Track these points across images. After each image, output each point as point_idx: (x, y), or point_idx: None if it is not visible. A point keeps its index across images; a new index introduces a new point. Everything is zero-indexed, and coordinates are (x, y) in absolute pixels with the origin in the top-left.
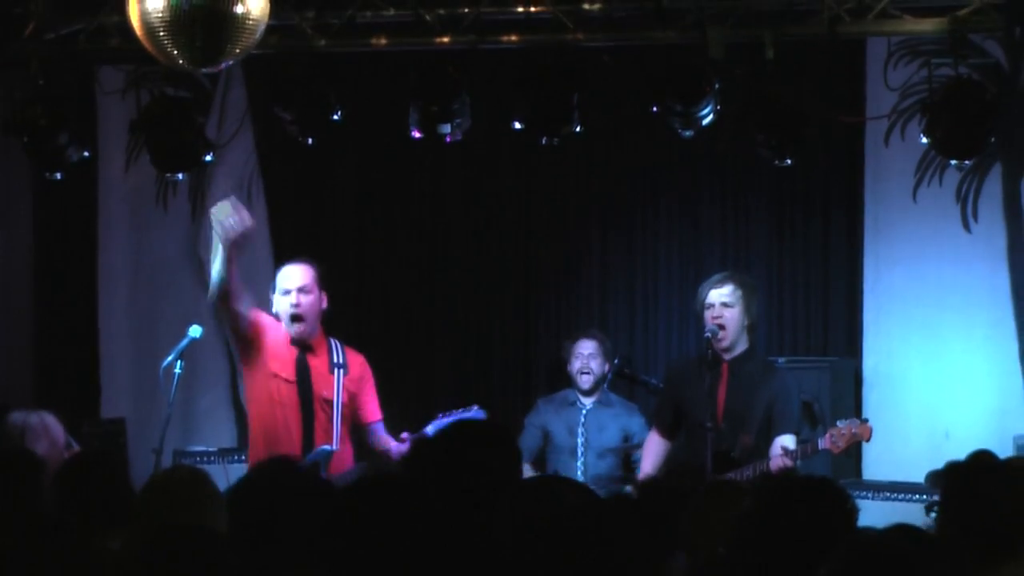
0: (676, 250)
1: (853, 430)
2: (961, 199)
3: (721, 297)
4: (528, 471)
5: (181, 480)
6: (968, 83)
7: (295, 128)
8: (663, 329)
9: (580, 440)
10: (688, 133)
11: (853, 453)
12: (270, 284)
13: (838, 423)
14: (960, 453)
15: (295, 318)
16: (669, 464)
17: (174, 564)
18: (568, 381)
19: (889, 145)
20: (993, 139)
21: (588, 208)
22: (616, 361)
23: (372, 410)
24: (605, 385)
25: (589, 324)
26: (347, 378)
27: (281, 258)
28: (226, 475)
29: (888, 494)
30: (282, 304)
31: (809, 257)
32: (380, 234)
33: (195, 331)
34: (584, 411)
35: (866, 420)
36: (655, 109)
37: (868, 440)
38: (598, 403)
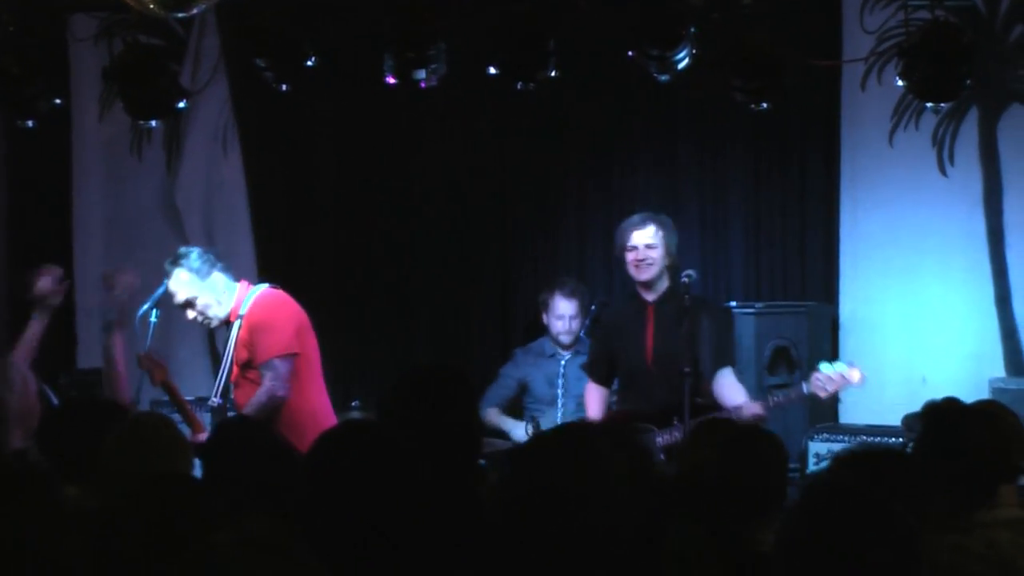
0: (653, 195)
1: (843, 375)
2: (937, 143)
3: (645, 239)
4: (495, 416)
5: (148, 427)
6: (945, 26)
7: (269, 75)
8: None
9: (560, 391)
10: (664, 78)
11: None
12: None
13: (821, 367)
14: (937, 396)
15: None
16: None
17: (159, 511)
18: (544, 330)
19: (866, 90)
20: (969, 82)
21: (564, 154)
22: (593, 308)
23: (258, 352)
24: (582, 333)
25: (567, 272)
26: (242, 330)
27: (258, 206)
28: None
29: (865, 437)
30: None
31: (786, 202)
32: (356, 182)
33: None
34: (563, 361)
35: (853, 364)
36: (631, 54)
37: (859, 383)
38: (576, 353)
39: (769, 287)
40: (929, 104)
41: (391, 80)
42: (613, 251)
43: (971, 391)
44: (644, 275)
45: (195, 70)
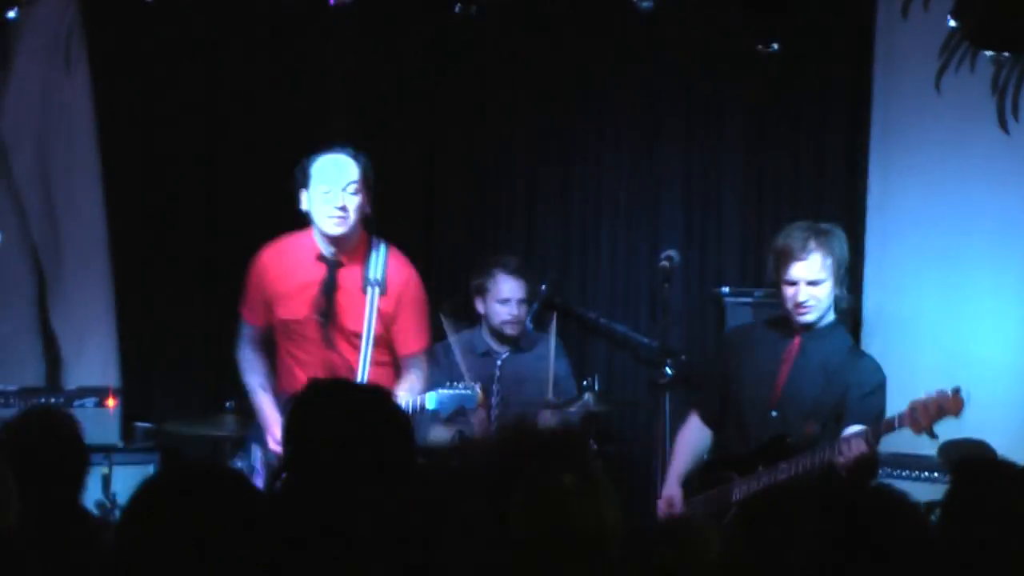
0: (625, 157)
1: (940, 404)
2: (999, 91)
3: (809, 273)
4: (442, 431)
5: None
6: None
7: None
8: (606, 250)
9: (495, 399)
10: (646, 4)
11: None
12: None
13: (922, 395)
14: (981, 419)
15: (339, 223)
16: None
17: None
18: (475, 320)
19: (908, 18)
20: None
21: (510, 101)
22: (543, 288)
23: (405, 341)
24: (528, 322)
25: (508, 249)
26: (383, 299)
27: (108, 139)
28: None
29: (890, 470)
30: (322, 207)
31: (797, 167)
32: (235, 116)
33: None
34: (499, 361)
35: (957, 390)
36: None
37: (958, 415)
38: (517, 349)
39: None
40: (988, 53)
41: None
42: (570, 230)
43: (1021, 413)
44: (805, 318)
45: None
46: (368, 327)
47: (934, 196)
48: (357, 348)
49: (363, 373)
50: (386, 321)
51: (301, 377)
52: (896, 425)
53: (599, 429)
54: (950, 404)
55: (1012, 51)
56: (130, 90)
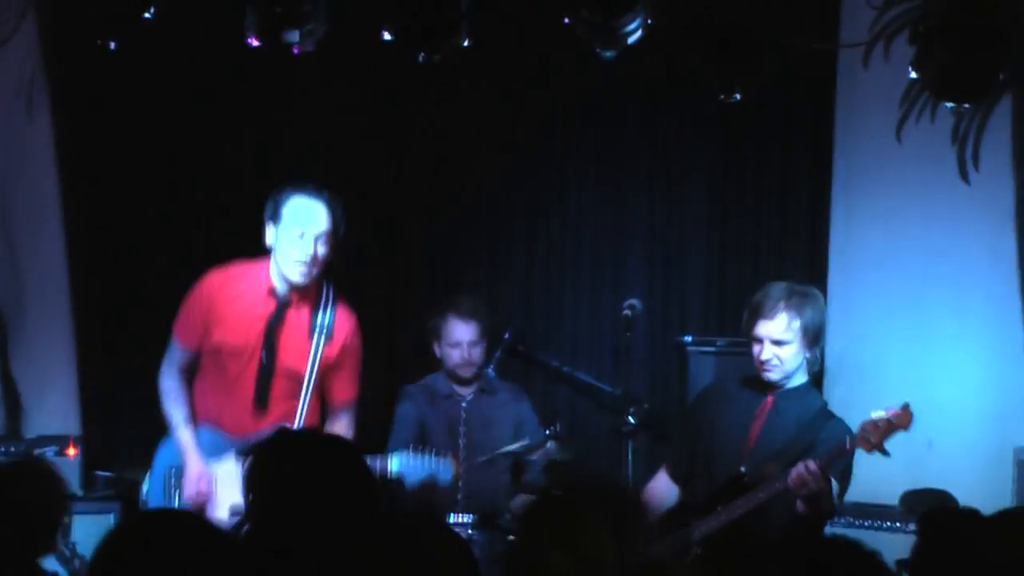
0: (589, 202)
1: (890, 419)
2: (959, 141)
3: (772, 333)
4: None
5: None
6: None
7: (94, 26)
8: (569, 298)
9: (462, 442)
10: (609, 54)
11: None
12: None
13: (871, 414)
14: (945, 465)
15: (303, 274)
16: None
17: None
18: (438, 364)
19: (869, 69)
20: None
21: (475, 146)
22: (506, 336)
23: (340, 389)
24: (489, 368)
25: (470, 292)
26: (328, 346)
27: (71, 183)
28: None
29: (851, 519)
30: (289, 250)
31: (760, 213)
32: (201, 165)
33: None
34: (463, 404)
35: (906, 405)
36: (567, 21)
37: (908, 428)
38: (481, 391)
39: (734, 318)
40: (949, 104)
41: (253, 42)
42: (533, 278)
43: (990, 460)
44: (768, 376)
45: None
46: (311, 372)
47: (896, 244)
48: (289, 388)
49: (301, 416)
50: (326, 367)
51: (216, 406)
52: (848, 446)
53: (562, 477)
54: (899, 419)
55: (971, 102)
56: (93, 135)
